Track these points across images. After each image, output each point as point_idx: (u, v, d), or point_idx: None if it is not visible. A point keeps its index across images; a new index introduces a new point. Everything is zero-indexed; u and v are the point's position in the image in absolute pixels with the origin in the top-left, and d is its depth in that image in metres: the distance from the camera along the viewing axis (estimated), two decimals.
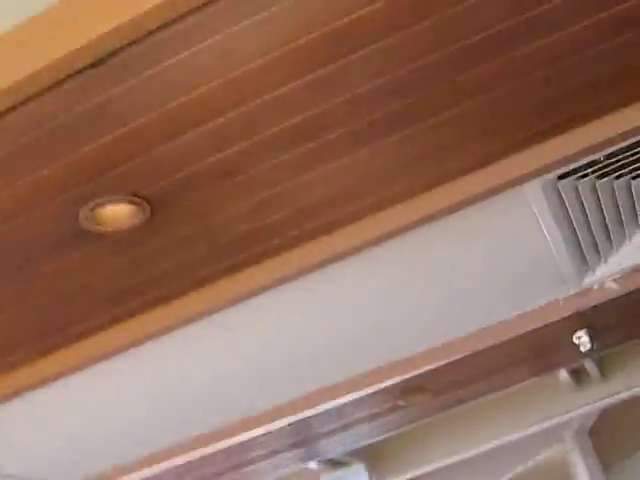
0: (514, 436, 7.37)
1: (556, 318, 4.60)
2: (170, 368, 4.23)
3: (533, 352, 5.23)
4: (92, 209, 2.73)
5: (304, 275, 3.54)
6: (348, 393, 4.92)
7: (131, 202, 2.74)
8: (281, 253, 3.34)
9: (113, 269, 3.09)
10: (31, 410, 4.08)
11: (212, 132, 2.64)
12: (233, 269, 3.32)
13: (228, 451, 5.42)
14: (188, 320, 3.65)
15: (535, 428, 7.32)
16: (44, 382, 3.71)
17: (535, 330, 4.70)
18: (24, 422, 4.23)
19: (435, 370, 4.92)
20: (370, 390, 4.96)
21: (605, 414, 8.04)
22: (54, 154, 2.52)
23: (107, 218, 2.78)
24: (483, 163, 3.22)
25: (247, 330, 4.05)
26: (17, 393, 3.82)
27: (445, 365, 4.86)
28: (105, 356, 3.64)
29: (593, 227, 3.78)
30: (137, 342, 3.67)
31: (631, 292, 4.39)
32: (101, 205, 2.72)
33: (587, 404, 6.94)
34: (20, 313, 3.20)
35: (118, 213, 2.77)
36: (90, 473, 5.19)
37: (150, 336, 3.67)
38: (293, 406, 5.04)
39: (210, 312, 3.64)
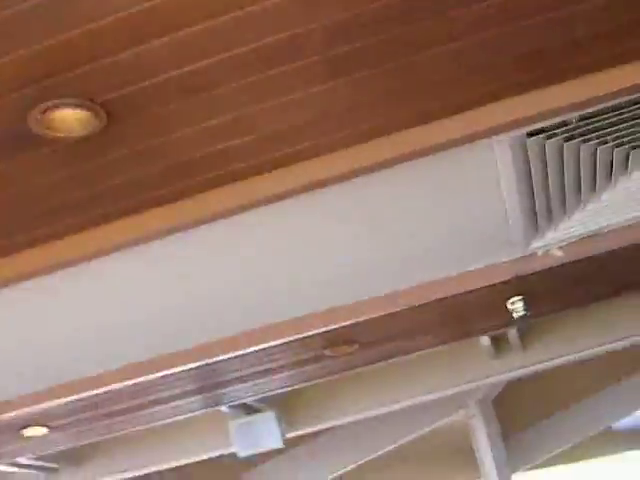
0: (427, 397, 7.37)
1: (494, 281, 4.52)
2: (93, 295, 4.04)
3: (465, 314, 5.17)
4: (44, 111, 2.51)
5: (251, 208, 3.38)
6: (275, 338, 4.78)
7: (87, 108, 2.53)
8: (235, 181, 3.16)
9: (59, 179, 2.87)
10: None
11: (181, 43, 2.46)
12: (184, 192, 3.14)
13: (134, 389, 5.25)
14: (121, 245, 3.46)
15: (449, 391, 7.32)
16: None
17: (470, 291, 4.62)
18: None
19: (365, 323, 4.81)
20: (297, 337, 4.83)
21: (510, 383, 8.08)
22: (8, 45, 2.30)
23: (59, 123, 2.56)
24: (454, 110, 3.09)
25: (178, 261, 3.87)
26: None
27: (376, 318, 4.76)
28: (35, 273, 3.43)
29: (551, 190, 3.68)
30: (68, 262, 3.47)
31: (575, 261, 4.32)
32: (54, 108, 2.50)
33: (504, 372, 6.94)
34: None
35: (72, 118, 2.56)
36: None
37: (81, 257, 3.47)
38: (213, 347, 4.88)
39: (148, 239, 3.45)
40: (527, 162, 3.46)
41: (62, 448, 6.82)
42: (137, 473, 7.88)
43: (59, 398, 5.05)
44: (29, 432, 5.68)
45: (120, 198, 3.08)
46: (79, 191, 2.98)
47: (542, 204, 3.79)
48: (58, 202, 3.03)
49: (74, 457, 7.59)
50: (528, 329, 6.47)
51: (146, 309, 4.25)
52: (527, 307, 4.79)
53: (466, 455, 10.03)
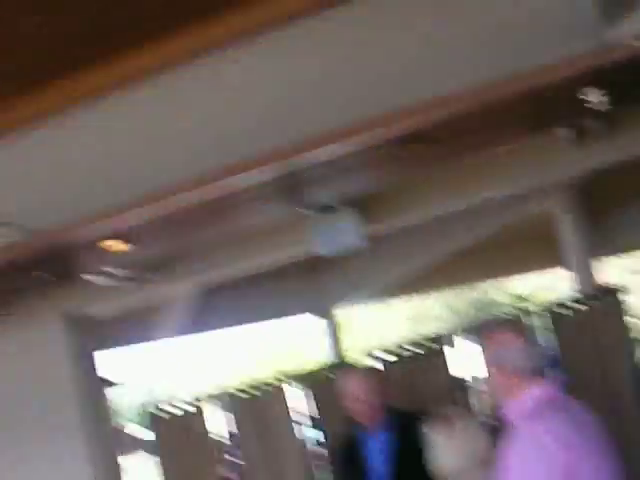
0: (509, 190, 7.30)
1: (570, 73, 4.34)
2: (167, 105, 4.00)
3: (540, 107, 5.01)
4: None
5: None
6: (347, 140, 4.71)
7: None
8: None
9: None
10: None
11: None
12: None
13: (213, 194, 5.24)
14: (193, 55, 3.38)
15: (532, 182, 7.24)
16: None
17: (545, 85, 4.46)
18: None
19: (436, 120, 4.71)
20: (371, 137, 4.75)
21: (597, 172, 7.91)
22: None
23: None
24: None
25: (245, 69, 3.79)
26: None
27: (446, 116, 4.64)
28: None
29: None
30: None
31: None
32: None
33: (587, 162, 6.81)
34: None
35: None
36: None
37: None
38: (284, 152, 4.84)
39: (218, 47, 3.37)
40: None
41: (146, 259, 6.94)
42: (225, 274, 8.00)
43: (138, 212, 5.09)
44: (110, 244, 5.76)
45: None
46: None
47: None
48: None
49: (160, 266, 7.71)
50: (612, 122, 6.25)
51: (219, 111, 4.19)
52: (607, 99, 4.62)
53: (548, 243, 10.04)
